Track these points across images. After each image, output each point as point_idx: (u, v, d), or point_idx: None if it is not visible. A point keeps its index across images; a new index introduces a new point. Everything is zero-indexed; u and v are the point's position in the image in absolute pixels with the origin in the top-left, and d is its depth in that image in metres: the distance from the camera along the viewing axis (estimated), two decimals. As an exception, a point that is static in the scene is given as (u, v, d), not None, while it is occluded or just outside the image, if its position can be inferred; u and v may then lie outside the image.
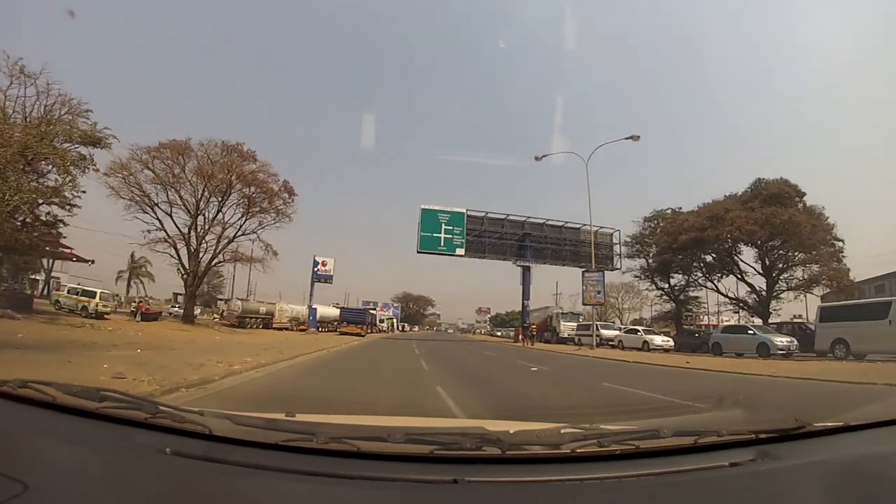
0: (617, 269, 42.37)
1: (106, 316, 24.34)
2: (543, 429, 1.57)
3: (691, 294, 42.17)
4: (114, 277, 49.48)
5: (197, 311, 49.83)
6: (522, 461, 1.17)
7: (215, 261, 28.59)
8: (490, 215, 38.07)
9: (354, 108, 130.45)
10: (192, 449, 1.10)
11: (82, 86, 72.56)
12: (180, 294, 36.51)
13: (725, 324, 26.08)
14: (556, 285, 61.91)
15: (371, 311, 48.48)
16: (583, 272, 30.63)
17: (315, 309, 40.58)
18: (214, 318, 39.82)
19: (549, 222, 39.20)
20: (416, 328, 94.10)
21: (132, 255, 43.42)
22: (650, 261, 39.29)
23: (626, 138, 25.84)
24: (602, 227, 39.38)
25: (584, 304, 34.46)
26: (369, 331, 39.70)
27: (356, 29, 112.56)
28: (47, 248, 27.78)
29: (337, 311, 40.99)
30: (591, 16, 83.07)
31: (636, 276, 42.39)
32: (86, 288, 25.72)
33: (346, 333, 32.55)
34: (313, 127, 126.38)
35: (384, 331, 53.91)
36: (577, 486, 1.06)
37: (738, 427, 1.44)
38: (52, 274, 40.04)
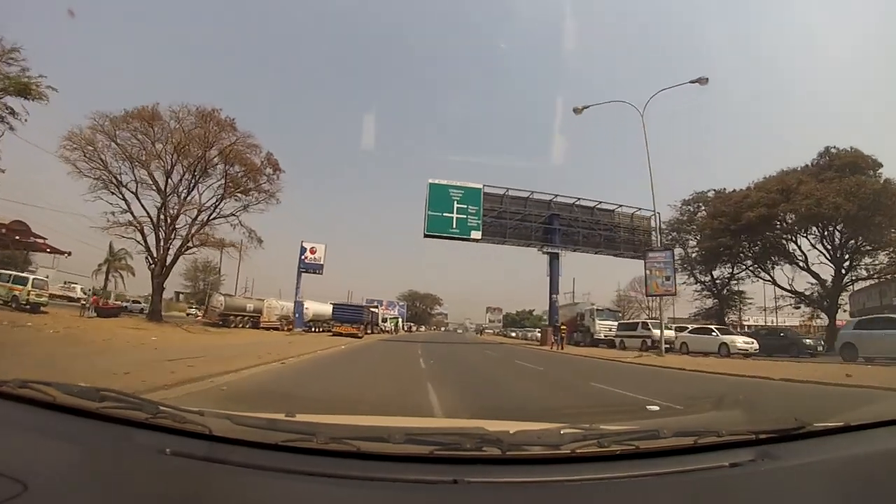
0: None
1: (43, 308, 20.62)
2: (543, 429, 1.59)
3: (735, 288, 37.66)
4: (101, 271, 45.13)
5: (192, 309, 45.22)
6: (522, 461, 1.17)
7: (186, 246, 24.63)
8: (511, 193, 32.31)
9: (355, 106, 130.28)
10: (192, 449, 1.09)
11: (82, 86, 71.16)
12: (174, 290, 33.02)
13: (862, 318, 18.70)
14: (573, 282, 56.43)
15: (372, 310, 43.89)
16: (644, 251, 24.58)
17: (302, 305, 35.25)
18: (196, 317, 35.28)
19: (580, 202, 33.51)
20: (423, 328, 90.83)
21: (111, 246, 38.78)
22: (690, 250, 35.52)
23: (692, 81, 20.40)
24: (639, 209, 33.91)
25: (647, 295, 30.72)
26: (369, 331, 35.88)
27: (356, 27, 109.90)
28: (17, 238, 24.28)
29: (331, 308, 35.69)
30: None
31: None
32: (18, 274, 22.14)
33: (341, 334, 28.43)
34: (314, 125, 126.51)
35: (388, 331, 50.09)
36: (577, 487, 1.05)
37: (738, 427, 1.45)
38: (33, 269, 35.75)
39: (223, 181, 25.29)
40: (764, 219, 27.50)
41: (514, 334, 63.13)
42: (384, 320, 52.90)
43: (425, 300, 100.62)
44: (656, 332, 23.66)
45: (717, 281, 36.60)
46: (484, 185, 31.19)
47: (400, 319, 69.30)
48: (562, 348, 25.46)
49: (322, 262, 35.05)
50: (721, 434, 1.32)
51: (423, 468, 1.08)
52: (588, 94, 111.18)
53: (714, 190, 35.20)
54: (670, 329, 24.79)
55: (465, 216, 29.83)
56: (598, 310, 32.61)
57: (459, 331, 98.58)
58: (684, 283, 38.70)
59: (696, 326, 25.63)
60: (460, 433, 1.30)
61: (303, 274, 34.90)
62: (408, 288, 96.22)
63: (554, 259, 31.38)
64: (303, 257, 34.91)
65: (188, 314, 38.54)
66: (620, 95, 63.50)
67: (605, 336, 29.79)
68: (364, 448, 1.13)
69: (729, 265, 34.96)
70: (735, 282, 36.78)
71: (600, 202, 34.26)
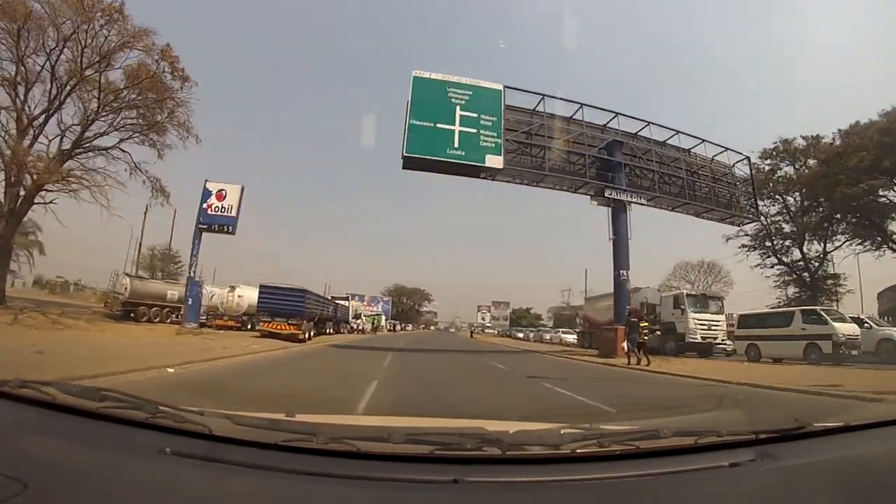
0: (747, 219, 25.50)
1: None
2: (543, 429, 1.59)
3: (828, 270, 30.35)
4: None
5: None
6: (522, 461, 1.15)
7: (37, 187, 17.68)
8: (549, 102, 19.63)
9: (352, 106, 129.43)
10: (192, 449, 1.08)
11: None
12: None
13: None
14: (586, 275, 44.44)
15: (340, 302, 34.44)
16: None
17: (198, 287, 21.93)
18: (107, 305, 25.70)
19: (650, 130, 21.11)
20: (410, 327, 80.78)
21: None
22: (771, 219, 29.91)
23: None
24: (726, 150, 23.01)
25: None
26: (328, 331, 26.78)
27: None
28: None
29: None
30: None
31: (743, 247, 31.55)
32: None
33: (272, 335, 19.06)
34: (312, 125, 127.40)
35: (363, 330, 40.04)
36: (577, 487, 1.04)
37: (738, 427, 1.44)
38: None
39: (98, 89, 18.88)
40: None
41: (520, 335, 50.13)
42: (357, 316, 39.79)
43: (413, 296, 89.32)
44: (841, 326, 14.78)
45: (811, 262, 29.65)
46: (505, 87, 18.31)
47: (383, 317, 60.78)
48: (648, 363, 14.28)
49: (234, 215, 21.27)
50: (721, 434, 1.31)
51: (424, 468, 1.07)
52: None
53: (805, 136, 28.09)
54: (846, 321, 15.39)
55: (474, 130, 17.42)
56: (690, 295, 20.55)
57: (452, 330, 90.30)
58: (758, 264, 31.79)
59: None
60: (460, 433, 1.31)
61: (204, 232, 21.07)
62: (394, 283, 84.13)
63: (619, 211, 18.79)
64: (205, 206, 21.07)
65: (106, 304, 27.00)
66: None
67: (704, 338, 19.35)
68: (364, 448, 1.11)
69: (820, 240, 28.83)
70: (828, 261, 29.63)
71: (678, 131, 21.62)
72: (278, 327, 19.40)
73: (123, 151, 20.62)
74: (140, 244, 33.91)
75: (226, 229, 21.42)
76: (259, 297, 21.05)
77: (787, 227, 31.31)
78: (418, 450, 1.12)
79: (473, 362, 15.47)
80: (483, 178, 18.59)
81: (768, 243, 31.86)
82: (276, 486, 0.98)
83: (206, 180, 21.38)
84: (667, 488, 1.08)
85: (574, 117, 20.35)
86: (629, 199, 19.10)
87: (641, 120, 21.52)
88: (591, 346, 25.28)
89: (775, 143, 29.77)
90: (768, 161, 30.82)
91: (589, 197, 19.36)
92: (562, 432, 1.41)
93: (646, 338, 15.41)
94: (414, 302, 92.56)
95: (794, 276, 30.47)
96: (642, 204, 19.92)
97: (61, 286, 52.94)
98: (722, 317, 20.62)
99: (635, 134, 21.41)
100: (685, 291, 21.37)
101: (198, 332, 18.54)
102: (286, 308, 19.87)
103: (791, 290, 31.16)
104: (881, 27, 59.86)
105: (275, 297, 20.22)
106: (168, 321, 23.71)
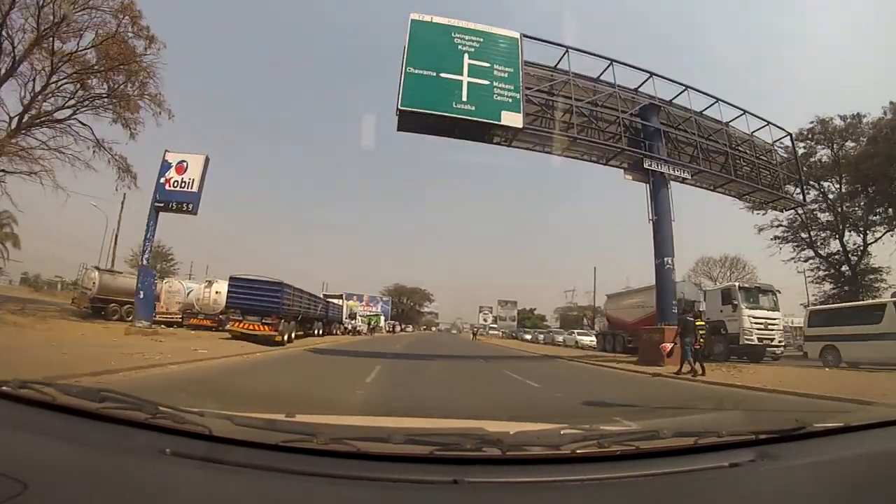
0: (792, 204, 22.42)
1: None
2: (543, 429, 1.58)
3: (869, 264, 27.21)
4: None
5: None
6: (522, 462, 1.15)
7: None
8: (573, 57, 16.23)
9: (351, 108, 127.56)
10: (192, 449, 1.07)
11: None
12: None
13: None
14: (594, 273, 41.24)
15: (332, 301, 31.20)
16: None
17: (153, 277, 18.70)
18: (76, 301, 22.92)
19: (682, 99, 17.82)
20: (410, 328, 77.65)
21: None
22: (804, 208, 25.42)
23: None
24: (767, 124, 19.47)
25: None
26: (316, 332, 23.74)
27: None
28: None
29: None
30: None
31: (776, 239, 28.42)
32: None
33: (245, 336, 15.93)
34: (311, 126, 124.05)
35: (359, 332, 36.63)
36: (577, 487, 1.04)
37: (738, 427, 1.45)
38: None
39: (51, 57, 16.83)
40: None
41: (527, 337, 46.60)
42: (352, 316, 36.58)
43: (413, 296, 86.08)
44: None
45: (850, 253, 26.58)
46: (523, 36, 15.03)
47: (382, 317, 57.55)
48: (702, 372, 11.11)
49: (196, 190, 17.62)
50: (721, 434, 1.30)
51: (424, 468, 1.06)
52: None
53: (844, 115, 25.19)
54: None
55: (487, 82, 14.26)
56: (744, 288, 17.14)
57: (454, 331, 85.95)
58: (792, 258, 28.80)
59: None
60: (460, 433, 1.30)
61: (162, 212, 17.63)
62: (393, 282, 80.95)
63: (660, 186, 15.48)
64: (163, 181, 17.53)
65: (74, 300, 24.65)
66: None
67: (761, 339, 16.13)
68: (364, 448, 1.10)
69: (861, 230, 26.03)
70: (868, 254, 26.65)
71: (718, 99, 18.27)
72: (250, 327, 16.06)
73: (83, 125, 18.37)
74: (116, 236, 31.19)
75: (185, 207, 17.64)
76: (228, 292, 17.30)
77: (822, 217, 28.27)
78: (418, 450, 1.12)
79: (489, 375, 11.87)
80: (497, 142, 15.29)
81: (804, 234, 28.74)
82: (276, 487, 0.97)
83: (167, 150, 17.89)
84: (667, 488, 1.07)
85: (602, 77, 17.07)
86: (672, 171, 15.81)
87: (679, 83, 17.91)
88: (615, 350, 22.08)
89: (812, 122, 26.64)
90: (803, 143, 27.47)
91: (623, 171, 16.09)
92: (562, 433, 1.43)
93: (702, 341, 12.20)
94: (414, 302, 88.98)
95: (832, 270, 27.49)
96: (684, 180, 16.62)
97: (49, 284, 50.07)
98: (778, 314, 17.46)
99: (671, 101, 18.14)
100: (737, 284, 17.39)
101: (149, 332, 15.54)
102: (260, 305, 16.24)
103: (827, 287, 28.49)
104: (881, 27, 58.57)
105: (246, 292, 16.46)
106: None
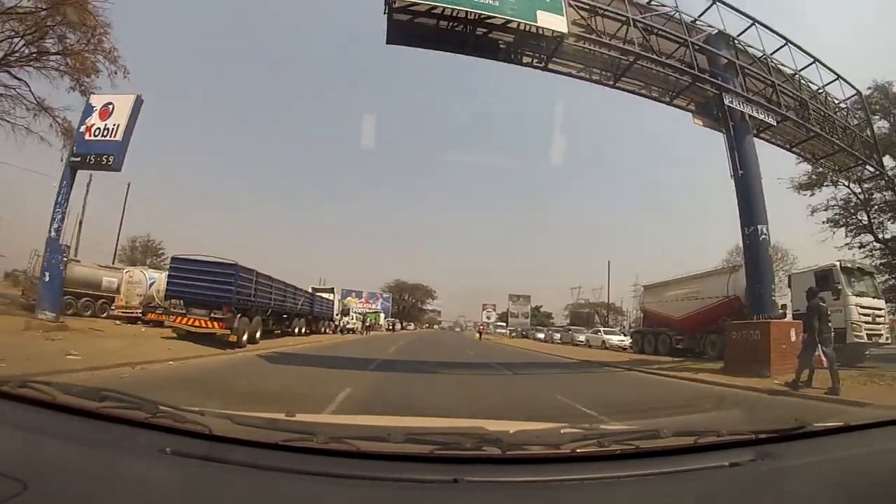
0: (871, 172, 19.14)
1: None
2: (543, 429, 1.58)
3: None
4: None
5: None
6: (522, 461, 1.14)
7: None
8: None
9: (351, 107, 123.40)
10: (192, 448, 1.07)
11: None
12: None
13: None
14: (608, 266, 37.77)
15: (323, 295, 27.10)
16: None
17: (61, 251, 13.95)
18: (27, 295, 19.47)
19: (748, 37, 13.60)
20: (412, 326, 74.12)
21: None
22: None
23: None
24: (836, 78, 15.51)
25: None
26: (302, 330, 20.77)
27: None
28: None
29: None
30: None
31: (828, 222, 24.72)
32: None
33: (189, 332, 12.56)
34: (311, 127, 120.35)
35: (353, 330, 33.88)
36: (577, 486, 1.03)
37: (738, 427, 1.44)
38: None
39: None
40: None
41: (540, 335, 42.18)
42: (346, 313, 34.44)
43: (415, 292, 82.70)
44: None
45: None
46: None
47: (382, 315, 54.61)
48: (838, 384, 7.44)
49: (120, 139, 13.34)
50: (721, 434, 1.30)
51: (424, 468, 1.06)
52: None
53: None
54: None
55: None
56: (847, 269, 13.25)
57: (457, 329, 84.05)
58: (847, 244, 24.82)
59: None
60: (460, 433, 1.30)
61: (79, 169, 13.90)
62: (394, 279, 77.44)
63: (743, 133, 11.63)
64: (83, 129, 13.58)
65: (24, 292, 21.27)
66: None
67: (870, 336, 12.63)
68: (364, 448, 1.10)
69: None
70: None
71: (788, 41, 14.06)
72: (195, 323, 12.47)
73: (17, 79, 15.33)
74: (80, 222, 27.54)
75: (106, 161, 13.47)
76: (168, 276, 13.71)
77: (880, 197, 24.32)
78: (418, 449, 1.12)
79: (538, 411, 6.23)
80: (527, 63, 11.11)
81: (863, 216, 24.67)
82: (277, 486, 0.97)
83: (91, 92, 14.41)
84: (667, 488, 1.07)
85: (651, 4, 12.93)
86: (756, 113, 11.72)
87: (747, 17, 13.94)
88: (657, 352, 18.54)
89: (869, 88, 22.48)
90: (858, 113, 23.51)
91: (691, 114, 12.11)
92: (562, 432, 1.42)
93: (827, 341, 8.20)
94: (416, 299, 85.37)
95: (892, 257, 24.01)
96: (768, 126, 12.49)
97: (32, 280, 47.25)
98: (883, 302, 13.48)
99: (736, 37, 14.01)
100: (839, 262, 13.13)
101: (52, 326, 11.71)
102: (207, 293, 12.48)
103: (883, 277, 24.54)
104: (881, 27, 56.92)
105: (190, 277, 12.78)
106: (104, 315, 19.25)
